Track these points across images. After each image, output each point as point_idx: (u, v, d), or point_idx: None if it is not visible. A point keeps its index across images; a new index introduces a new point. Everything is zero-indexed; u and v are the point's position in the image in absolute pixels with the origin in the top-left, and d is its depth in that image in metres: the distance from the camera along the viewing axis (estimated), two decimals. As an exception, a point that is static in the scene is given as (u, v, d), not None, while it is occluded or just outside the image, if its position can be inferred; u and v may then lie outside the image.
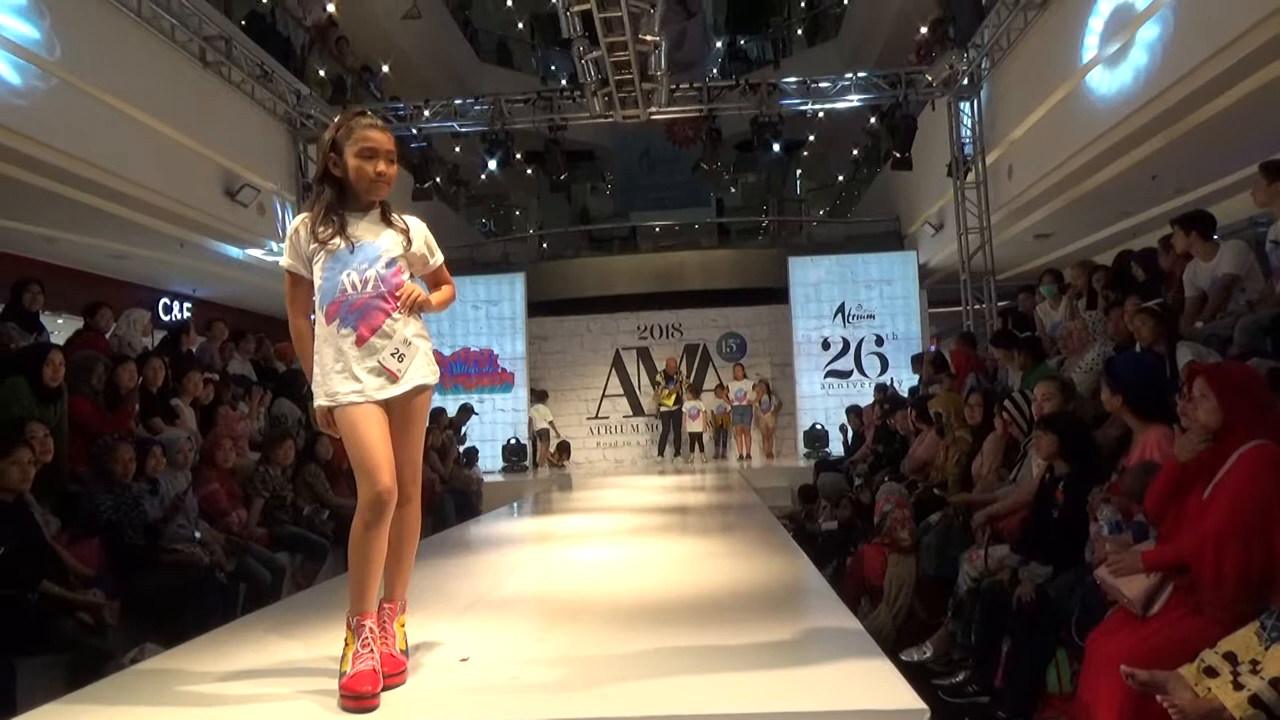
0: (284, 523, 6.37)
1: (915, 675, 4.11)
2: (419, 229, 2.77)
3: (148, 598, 4.61)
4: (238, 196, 10.20)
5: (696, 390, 14.76)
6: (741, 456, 14.25)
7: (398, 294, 2.61)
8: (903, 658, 4.70)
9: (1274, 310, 4.74)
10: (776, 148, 12.20)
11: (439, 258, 2.85)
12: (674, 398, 14.33)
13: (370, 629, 2.52)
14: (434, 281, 2.87)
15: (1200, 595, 2.80)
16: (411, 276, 2.73)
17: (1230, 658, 2.45)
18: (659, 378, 14.76)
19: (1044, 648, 3.70)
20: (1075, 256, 10.88)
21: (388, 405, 2.60)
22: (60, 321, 10.09)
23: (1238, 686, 2.37)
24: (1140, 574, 2.97)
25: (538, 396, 14.57)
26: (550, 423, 14.62)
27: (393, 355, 2.60)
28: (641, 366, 15.11)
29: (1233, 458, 2.85)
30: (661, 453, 14.47)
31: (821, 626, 3.27)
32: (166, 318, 12.46)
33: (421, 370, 2.66)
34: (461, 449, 11.38)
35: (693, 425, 14.44)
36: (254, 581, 5.40)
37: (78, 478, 5.21)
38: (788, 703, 2.29)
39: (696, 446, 14.47)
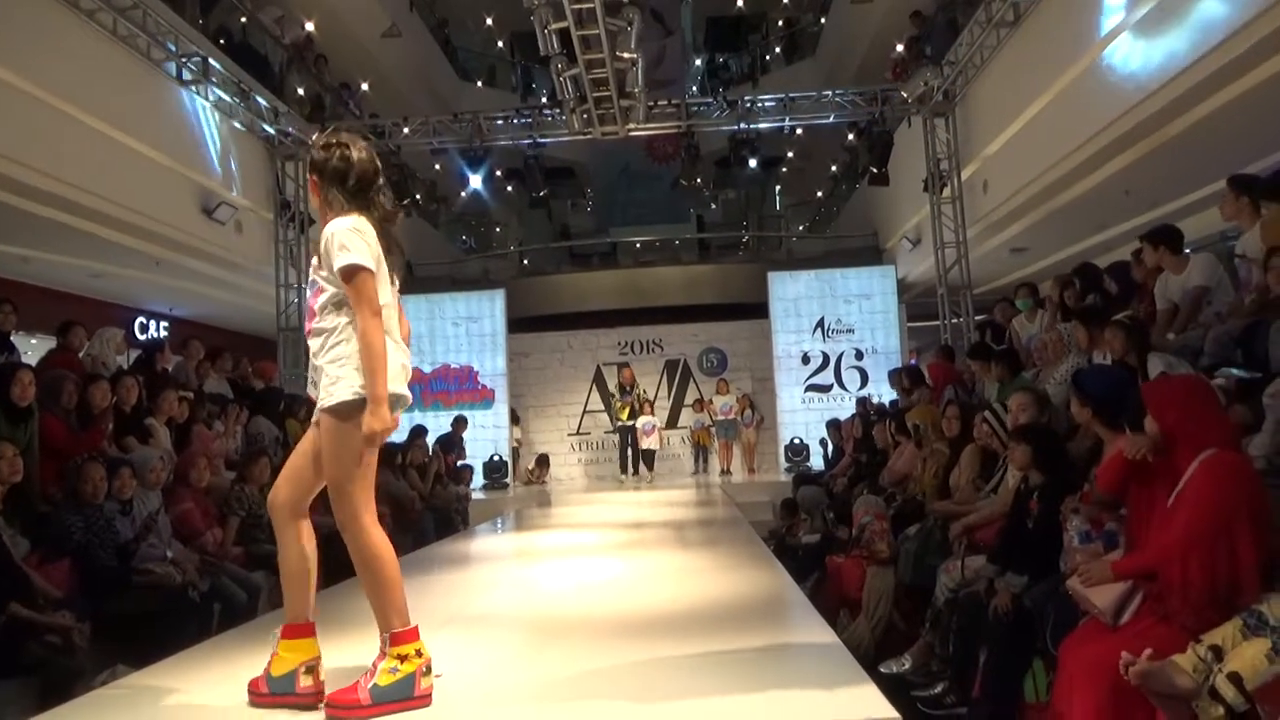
0: (260, 542, 6.29)
1: (894, 687, 4.12)
2: (324, 235, 2.58)
3: (119, 619, 4.55)
4: (215, 215, 10.15)
5: (676, 406, 14.71)
6: (723, 471, 14.25)
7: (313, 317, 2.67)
8: (881, 670, 4.69)
9: (1243, 321, 4.80)
10: (754, 163, 12.28)
11: (339, 261, 2.51)
12: (627, 411, 13.59)
13: (276, 639, 2.59)
14: (351, 296, 2.56)
15: (1168, 603, 2.82)
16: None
17: (1216, 651, 2.49)
18: (613, 389, 14.24)
19: (1020, 658, 3.71)
20: (1050, 270, 10.98)
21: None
22: (34, 341, 10.00)
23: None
24: (1110, 584, 3.00)
25: (512, 417, 14.53)
26: (519, 440, 14.58)
27: (312, 383, 2.72)
28: (637, 380, 15.07)
29: (1193, 466, 2.89)
30: (624, 470, 13.76)
31: (799, 639, 3.28)
32: (143, 337, 12.37)
33: (323, 391, 2.63)
34: (460, 463, 11.36)
35: (646, 441, 13.66)
36: (229, 601, 5.33)
37: (49, 499, 5.14)
38: (763, 715, 2.29)
39: (645, 464, 13.63)
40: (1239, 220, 5.56)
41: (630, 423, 13.66)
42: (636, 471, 13.63)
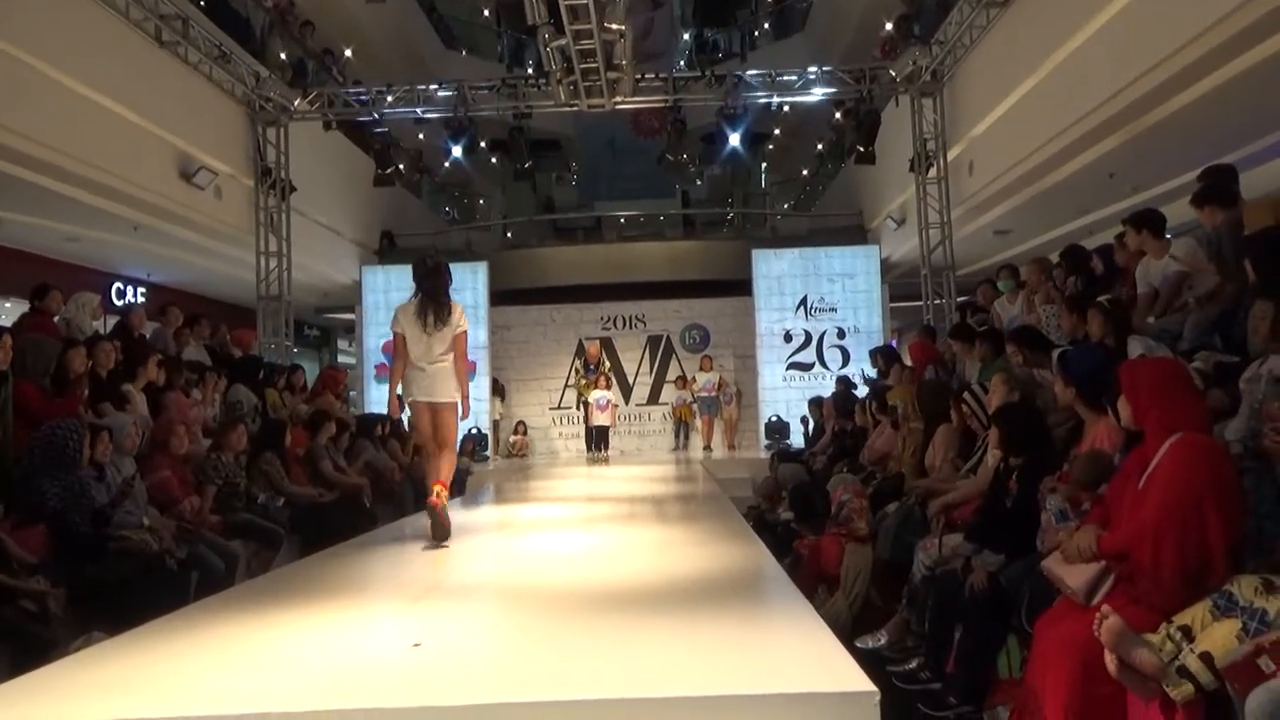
0: (238, 510, 6.27)
1: (870, 662, 4.15)
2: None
3: (95, 585, 4.52)
4: (194, 179, 10.00)
5: (658, 383, 14.63)
6: (705, 447, 14.29)
7: None
8: (858, 645, 4.74)
9: (1222, 306, 4.84)
10: (736, 139, 12.21)
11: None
12: (592, 389, 13.23)
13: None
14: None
15: (1139, 584, 2.85)
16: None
17: (1185, 631, 2.52)
18: (577, 365, 13.77)
19: (995, 635, 3.75)
20: (1033, 253, 11.03)
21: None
22: (9, 305, 9.86)
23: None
24: (1083, 565, 3.02)
25: (496, 389, 14.47)
26: (500, 413, 14.57)
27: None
28: (605, 357, 15.05)
29: (1164, 448, 2.91)
30: (590, 449, 13.30)
31: (776, 612, 3.30)
32: (120, 302, 12.20)
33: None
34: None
35: (599, 418, 13.10)
36: (207, 570, 5.30)
37: (31, 464, 5.06)
38: (741, 686, 2.30)
39: (602, 444, 13.08)
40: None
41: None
42: (595, 448, 13.17)
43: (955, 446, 5.57)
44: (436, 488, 4.91)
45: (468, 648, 2.78)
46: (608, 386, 13.50)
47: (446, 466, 5.07)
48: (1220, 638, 2.45)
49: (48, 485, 4.74)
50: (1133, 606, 2.85)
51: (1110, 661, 2.60)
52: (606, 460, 12.73)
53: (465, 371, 5.05)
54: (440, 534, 4.78)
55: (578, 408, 14.11)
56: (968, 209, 11.40)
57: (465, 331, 4.99)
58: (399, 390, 5.20)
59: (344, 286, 14.70)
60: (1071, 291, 6.45)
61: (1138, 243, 5.75)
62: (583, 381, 13.46)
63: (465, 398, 5.06)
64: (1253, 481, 3.01)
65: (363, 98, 12.10)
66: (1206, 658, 2.40)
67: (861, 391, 10.05)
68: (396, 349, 4.99)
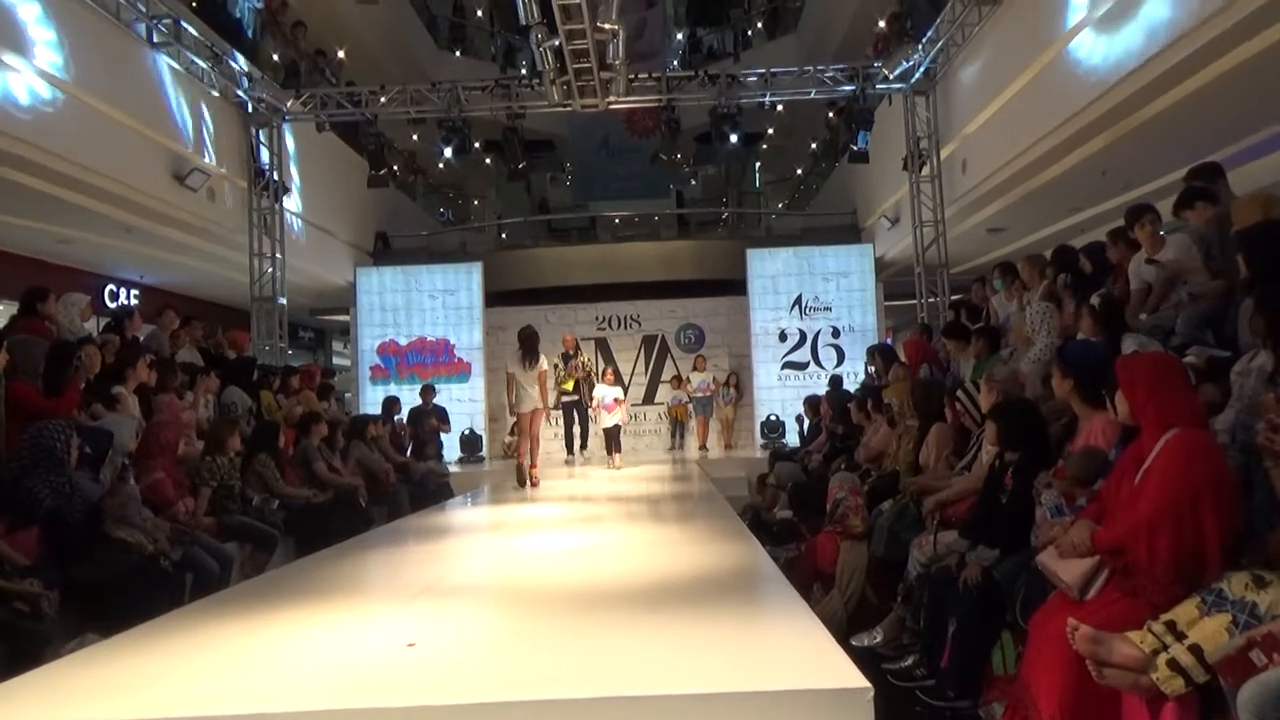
0: (232, 512, 6.26)
1: (865, 660, 4.17)
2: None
3: (89, 587, 4.50)
4: (186, 181, 9.96)
5: (653, 382, 14.53)
6: (701, 447, 14.28)
7: None
8: (853, 643, 4.75)
9: (1214, 302, 4.85)
10: (734, 139, 12.21)
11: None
12: (573, 383, 11.58)
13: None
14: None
15: (1135, 579, 2.86)
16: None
17: (1170, 626, 2.53)
18: (556, 359, 11.30)
19: (989, 631, 3.76)
20: (1026, 251, 11.05)
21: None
22: (0, 308, 9.81)
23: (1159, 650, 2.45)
24: (1077, 560, 3.03)
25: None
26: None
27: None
28: (600, 358, 15.04)
29: (1160, 444, 2.92)
30: (570, 450, 12.01)
31: (772, 610, 3.30)
32: (113, 305, 12.16)
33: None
34: (443, 434, 11.31)
35: (608, 418, 11.45)
36: (201, 571, 5.29)
37: (22, 465, 5.04)
38: (737, 683, 2.30)
39: (613, 447, 11.31)
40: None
41: (574, 396, 11.65)
42: (583, 448, 12.09)
43: (950, 444, 5.58)
44: (534, 472, 8.81)
45: (462, 648, 2.77)
46: (614, 380, 12.17)
47: (535, 452, 8.85)
48: (1211, 631, 2.46)
49: (39, 486, 4.72)
50: (1126, 601, 2.85)
51: (1093, 670, 2.61)
52: (619, 465, 10.95)
53: (547, 390, 8.79)
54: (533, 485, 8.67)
55: (556, 407, 12.20)
56: (961, 207, 11.42)
57: (545, 370, 8.76)
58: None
59: (338, 288, 14.67)
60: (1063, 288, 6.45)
61: (1145, 235, 5.70)
62: (560, 374, 11.45)
63: (546, 406, 8.81)
64: (1240, 472, 3.02)
65: (356, 98, 12.08)
66: (1197, 651, 2.41)
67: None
68: (509, 381, 8.60)
